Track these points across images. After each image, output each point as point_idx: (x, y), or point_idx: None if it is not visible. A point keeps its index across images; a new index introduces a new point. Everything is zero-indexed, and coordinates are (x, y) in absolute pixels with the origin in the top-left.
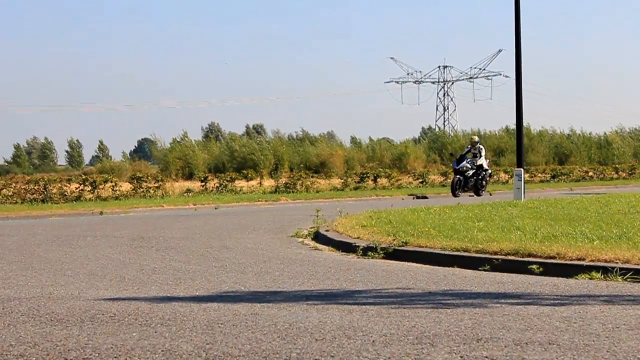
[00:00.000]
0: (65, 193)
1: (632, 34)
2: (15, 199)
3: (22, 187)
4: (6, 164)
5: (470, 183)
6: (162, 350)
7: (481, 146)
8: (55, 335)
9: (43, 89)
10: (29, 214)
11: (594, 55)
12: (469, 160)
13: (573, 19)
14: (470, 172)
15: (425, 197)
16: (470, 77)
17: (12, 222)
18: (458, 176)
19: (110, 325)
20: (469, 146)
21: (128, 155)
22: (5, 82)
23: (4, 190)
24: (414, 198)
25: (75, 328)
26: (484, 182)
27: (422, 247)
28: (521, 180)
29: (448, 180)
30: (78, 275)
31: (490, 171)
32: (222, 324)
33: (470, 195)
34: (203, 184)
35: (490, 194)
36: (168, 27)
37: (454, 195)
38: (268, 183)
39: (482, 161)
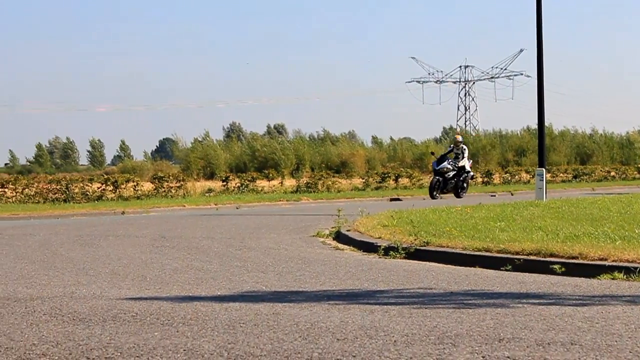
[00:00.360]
0: (87, 193)
1: None
2: (37, 198)
3: (45, 187)
4: (28, 164)
5: (449, 185)
6: (184, 350)
7: (464, 146)
8: (77, 335)
9: (65, 88)
10: (51, 213)
11: (615, 54)
12: (450, 161)
13: (595, 18)
14: (451, 174)
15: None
16: (492, 77)
17: (35, 221)
18: (437, 177)
19: (132, 325)
20: (452, 146)
21: (149, 154)
22: (27, 82)
23: (27, 189)
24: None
25: (97, 327)
26: (464, 185)
27: (444, 247)
28: (543, 180)
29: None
30: (100, 275)
31: (472, 173)
32: (243, 323)
33: (450, 197)
34: (224, 183)
35: (512, 194)
36: (190, 27)
37: (432, 197)
38: (289, 183)
39: (465, 162)
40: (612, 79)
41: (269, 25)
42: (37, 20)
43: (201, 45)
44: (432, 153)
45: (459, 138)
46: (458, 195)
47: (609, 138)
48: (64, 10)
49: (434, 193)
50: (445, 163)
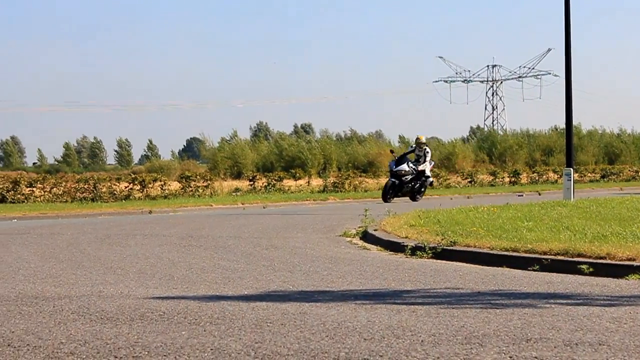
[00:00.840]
0: (115, 192)
1: None
2: (65, 197)
3: (72, 186)
4: (57, 163)
5: (405, 188)
6: (211, 349)
7: (428, 148)
8: (105, 333)
9: (93, 88)
10: (79, 212)
11: None
12: (410, 163)
13: (624, 16)
14: (409, 177)
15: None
16: (519, 76)
17: (63, 220)
18: (393, 179)
19: (159, 324)
20: (413, 146)
21: (177, 154)
22: (56, 82)
23: (55, 189)
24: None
25: (125, 326)
26: (422, 189)
27: (471, 247)
28: (570, 180)
29: (497, 179)
30: (128, 274)
31: (432, 179)
32: (270, 323)
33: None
34: (251, 183)
35: (540, 194)
36: (217, 27)
37: (385, 200)
38: (316, 182)
39: (426, 166)
40: None
41: (296, 26)
42: (65, 20)
43: (229, 44)
44: (392, 151)
45: (422, 139)
46: (413, 199)
47: (637, 137)
48: (94, 9)
49: (388, 196)
50: (405, 165)
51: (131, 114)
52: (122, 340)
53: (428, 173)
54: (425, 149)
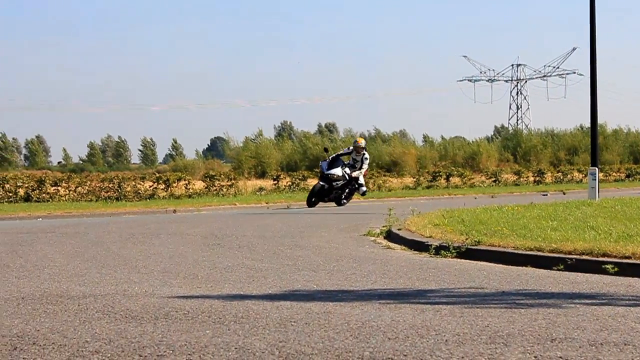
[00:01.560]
0: (139, 191)
1: None
2: (90, 196)
3: (97, 185)
4: (81, 162)
5: (334, 194)
6: (236, 348)
7: (367, 154)
8: (129, 332)
9: (117, 87)
10: (103, 211)
11: None
12: (345, 166)
13: None
14: (340, 183)
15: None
16: (544, 76)
17: (87, 219)
18: (322, 183)
19: (184, 323)
20: (350, 148)
21: (201, 153)
22: (80, 82)
23: (80, 188)
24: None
25: (149, 325)
26: (350, 196)
27: (495, 246)
28: (595, 179)
29: (522, 179)
30: (152, 273)
31: (365, 189)
32: (294, 322)
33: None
34: (275, 182)
35: (564, 193)
36: (242, 26)
37: (309, 204)
38: None
39: (360, 173)
40: None
41: (318, 25)
42: (90, 20)
43: (251, 44)
44: (326, 150)
45: (361, 143)
46: (339, 203)
47: None
48: (117, 9)
49: (313, 199)
50: (338, 170)
51: (155, 113)
52: (146, 339)
53: (362, 181)
54: (364, 154)
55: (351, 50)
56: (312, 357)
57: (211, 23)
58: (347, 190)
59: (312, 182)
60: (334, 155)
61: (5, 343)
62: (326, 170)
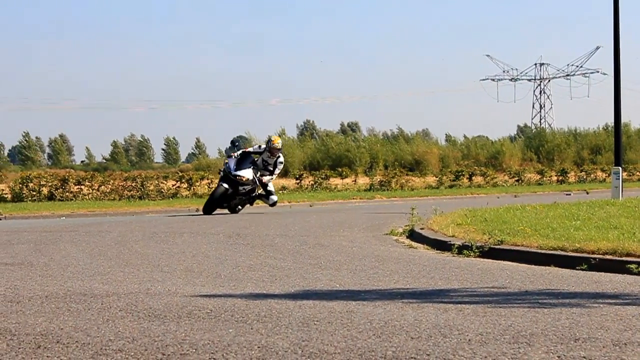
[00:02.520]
0: (162, 190)
1: None
2: (113, 195)
3: (120, 184)
4: (104, 161)
5: (236, 200)
6: (258, 347)
7: (282, 158)
8: (153, 331)
9: (139, 87)
10: (126, 210)
11: None
12: (257, 169)
13: None
14: (247, 188)
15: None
16: (567, 75)
17: (110, 218)
18: (225, 186)
19: (206, 322)
20: (262, 147)
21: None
22: (103, 81)
23: (103, 187)
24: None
25: (172, 324)
26: (249, 204)
27: (518, 245)
28: (619, 178)
29: (545, 178)
30: (175, 272)
31: (275, 198)
32: (317, 321)
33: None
34: (298, 181)
35: (587, 193)
36: (262, 26)
37: (207, 211)
38: (363, 181)
39: (272, 179)
40: None
41: (342, 25)
42: (115, 18)
43: (275, 43)
44: (234, 143)
45: (278, 143)
46: (234, 211)
47: None
48: (141, 9)
49: (215, 206)
50: (249, 171)
51: (178, 112)
52: (169, 337)
53: (272, 188)
54: (279, 157)
55: (374, 50)
56: (335, 356)
57: (234, 22)
58: (251, 198)
59: (335, 181)
60: (242, 152)
61: (29, 341)
62: (234, 171)
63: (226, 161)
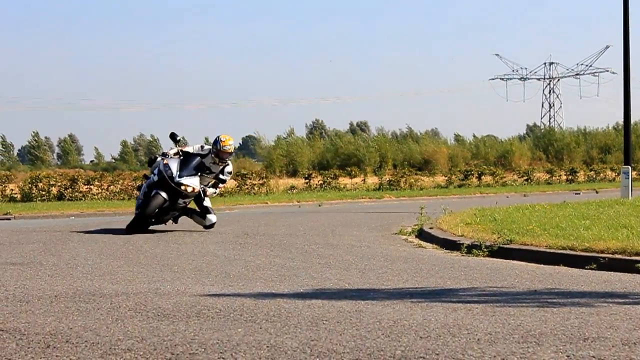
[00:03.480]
0: None
1: None
2: (122, 195)
3: (129, 184)
4: (114, 161)
5: (169, 216)
6: (267, 346)
7: (230, 167)
8: (162, 330)
9: (149, 87)
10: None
11: None
12: (208, 177)
13: None
14: (188, 202)
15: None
16: (577, 74)
17: (120, 217)
18: (164, 195)
19: (216, 321)
20: (205, 148)
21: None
22: (111, 81)
23: (112, 186)
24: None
25: (181, 323)
26: (174, 222)
27: (527, 245)
28: (629, 178)
29: (554, 178)
30: (184, 271)
31: (214, 218)
32: (326, 320)
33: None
34: (307, 181)
35: (597, 192)
36: (272, 26)
37: (134, 230)
38: (372, 180)
39: (216, 192)
40: None
41: (351, 24)
42: (123, 18)
43: (284, 42)
44: (174, 137)
45: (229, 146)
46: (161, 222)
47: None
48: (150, 7)
49: (146, 223)
50: (196, 180)
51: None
52: (178, 337)
53: (208, 204)
54: (227, 164)
55: (384, 49)
56: (344, 355)
57: (243, 22)
58: (184, 213)
59: (344, 180)
60: (186, 152)
61: (38, 341)
62: (177, 177)
63: (163, 161)
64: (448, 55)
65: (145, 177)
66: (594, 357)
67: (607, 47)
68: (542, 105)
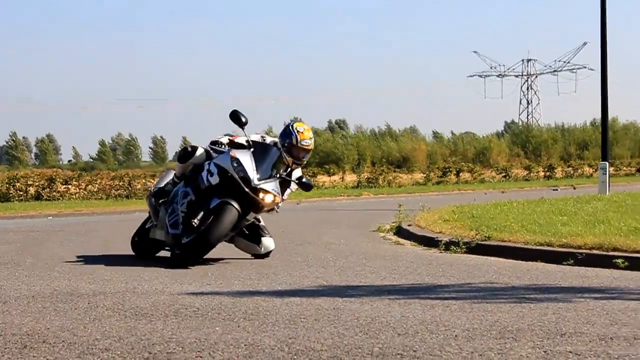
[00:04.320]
0: (150, 189)
1: None
2: (100, 195)
3: (107, 183)
4: (91, 160)
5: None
6: (245, 345)
7: (299, 169)
8: (139, 330)
9: (128, 85)
10: (114, 209)
11: None
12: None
13: None
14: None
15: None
16: (555, 71)
17: (98, 217)
18: (236, 207)
19: (193, 320)
20: (272, 141)
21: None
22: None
23: (90, 186)
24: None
25: (159, 322)
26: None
27: (505, 241)
28: (606, 173)
29: (532, 174)
30: (162, 270)
31: (271, 247)
32: (304, 318)
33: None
34: None
35: (574, 188)
36: (249, 23)
37: (179, 264)
38: (350, 178)
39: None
40: None
41: (328, 22)
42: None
43: (261, 41)
44: (239, 119)
45: (309, 141)
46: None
47: None
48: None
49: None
50: (275, 186)
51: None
52: (156, 336)
53: (262, 222)
54: (300, 166)
55: (361, 46)
56: (322, 353)
57: (217, 21)
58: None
59: (323, 178)
60: (235, 142)
61: (15, 341)
62: (255, 180)
63: (230, 153)
64: (427, 52)
65: (175, 176)
66: (570, 352)
67: (585, 43)
68: (520, 102)
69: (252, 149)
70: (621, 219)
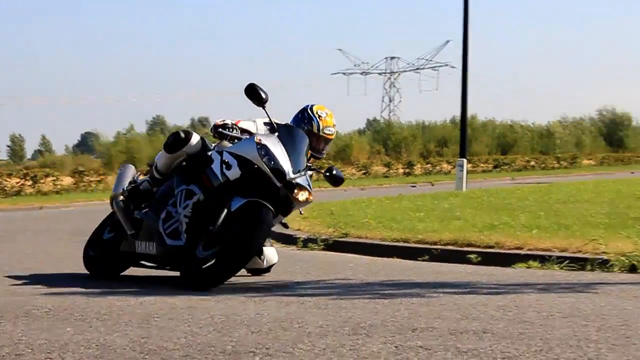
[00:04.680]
0: (5, 188)
1: (573, 23)
2: None
3: None
4: None
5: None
6: (96, 345)
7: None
8: None
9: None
10: None
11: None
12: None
13: (522, 10)
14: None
15: None
16: (417, 68)
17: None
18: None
19: (45, 321)
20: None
21: (71, 149)
22: None
23: None
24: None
25: (9, 324)
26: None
27: (362, 238)
28: (463, 170)
29: (391, 171)
30: (14, 271)
31: (274, 259)
32: (158, 317)
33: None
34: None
35: (433, 184)
36: (113, 18)
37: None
38: None
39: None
40: (536, 69)
41: (192, 17)
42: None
43: (122, 37)
44: (258, 95)
45: (332, 129)
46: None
47: (529, 129)
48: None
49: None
50: (307, 181)
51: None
52: (5, 338)
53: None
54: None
55: (226, 43)
56: (174, 352)
57: (83, 16)
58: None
59: None
60: (274, 122)
61: None
62: (291, 173)
63: (255, 138)
64: (289, 50)
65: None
66: (421, 347)
67: (448, 41)
68: (383, 100)
69: (276, 133)
70: (476, 215)
